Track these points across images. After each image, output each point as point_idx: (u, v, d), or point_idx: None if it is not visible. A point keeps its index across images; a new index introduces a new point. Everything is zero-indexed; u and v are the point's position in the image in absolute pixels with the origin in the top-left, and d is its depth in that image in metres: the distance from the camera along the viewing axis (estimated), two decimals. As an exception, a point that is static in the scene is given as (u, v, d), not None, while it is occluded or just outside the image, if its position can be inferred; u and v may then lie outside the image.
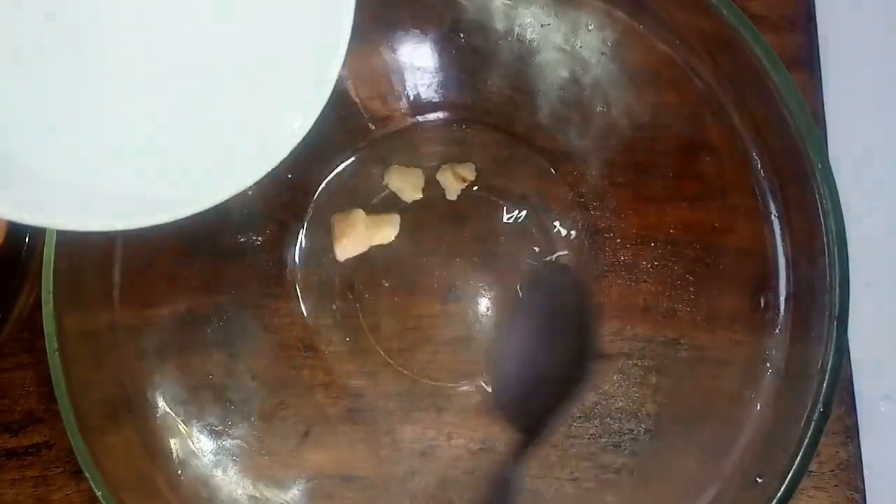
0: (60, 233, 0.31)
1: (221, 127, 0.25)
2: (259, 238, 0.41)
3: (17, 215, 0.22)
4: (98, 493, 0.30)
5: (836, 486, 0.41)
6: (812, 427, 0.29)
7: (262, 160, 0.24)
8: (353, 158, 0.43)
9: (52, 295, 0.31)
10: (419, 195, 0.42)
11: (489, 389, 0.40)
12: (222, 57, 0.25)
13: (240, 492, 0.36)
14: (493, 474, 0.37)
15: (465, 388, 0.42)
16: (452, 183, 0.42)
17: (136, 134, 0.25)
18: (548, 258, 0.41)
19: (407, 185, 0.42)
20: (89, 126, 0.25)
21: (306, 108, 0.24)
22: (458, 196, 0.43)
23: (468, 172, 0.42)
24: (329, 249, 0.42)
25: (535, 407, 0.38)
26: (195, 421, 0.37)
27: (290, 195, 0.42)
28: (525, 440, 0.38)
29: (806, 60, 0.45)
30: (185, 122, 0.25)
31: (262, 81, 0.25)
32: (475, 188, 0.43)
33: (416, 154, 0.43)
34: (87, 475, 0.31)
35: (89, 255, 0.34)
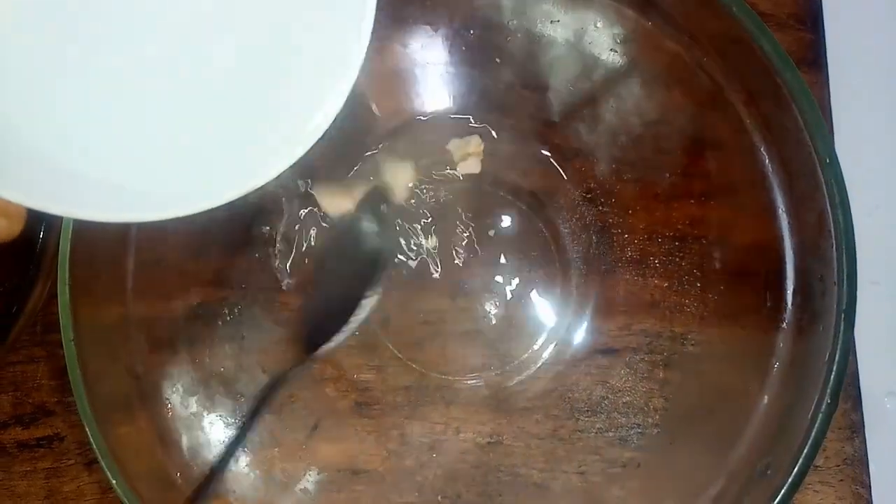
0: (76, 226, 0.32)
1: (242, 123, 0.26)
2: (269, 232, 0.42)
3: (40, 205, 0.22)
4: (113, 482, 0.31)
5: (841, 480, 0.41)
6: (819, 419, 0.29)
7: (281, 156, 0.24)
8: (362, 153, 0.43)
9: (67, 287, 0.31)
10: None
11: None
12: (244, 53, 0.26)
13: (250, 483, 0.37)
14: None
15: (473, 381, 0.42)
16: (458, 151, 0.43)
17: (157, 128, 0.25)
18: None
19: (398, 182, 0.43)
20: (113, 120, 0.25)
21: (325, 105, 0.24)
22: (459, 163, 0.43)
23: (474, 145, 0.43)
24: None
25: (324, 331, 0.39)
26: (207, 413, 0.37)
27: (300, 189, 0.43)
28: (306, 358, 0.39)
29: (813, 58, 0.45)
30: (206, 118, 0.26)
31: (283, 78, 0.26)
32: (484, 184, 0.43)
33: (425, 149, 0.43)
34: (102, 464, 0.31)
35: (103, 248, 0.34)
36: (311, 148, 0.25)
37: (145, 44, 0.25)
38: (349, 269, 0.41)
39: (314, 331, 0.39)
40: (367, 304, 0.39)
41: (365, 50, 0.24)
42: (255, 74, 0.26)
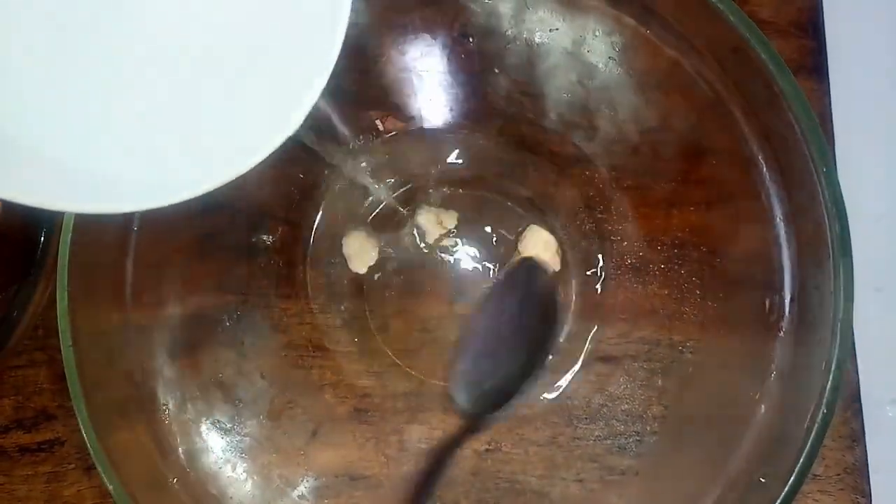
0: (75, 231, 0.32)
1: (224, 110, 0.26)
2: (269, 238, 0.42)
3: (24, 198, 0.22)
4: (110, 488, 0.31)
5: (841, 489, 0.41)
6: (815, 428, 0.29)
7: (259, 145, 0.24)
8: (361, 161, 0.44)
9: (66, 292, 0.31)
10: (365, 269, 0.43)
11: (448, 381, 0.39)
12: (229, 39, 0.26)
13: (248, 489, 0.37)
14: (434, 452, 0.37)
15: (471, 388, 0.42)
16: (433, 227, 0.43)
17: (141, 116, 0.25)
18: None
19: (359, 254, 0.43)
20: (97, 108, 0.25)
21: (306, 91, 0.24)
22: (435, 241, 0.43)
23: (449, 220, 0.43)
24: (338, 251, 0.43)
25: (487, 398, 0.37)
26: (205, 418, 0.37)
27: (299, 196, 0.43)
28: (470, 428, 0.38)
29: (813, 66, 0.45)
30: (190, 105, 0.26)
31: (265, 65, 0.26)
32: (483, 191, 0.43)
33: (423, 156, 0.43)
34: (100, 469, 0.31)
35: (103, 253, 0.34)
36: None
37: (127, 36, 0.25)
38: (520, 334, 0.38)
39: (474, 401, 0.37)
40: (539, 375, 0.38)
41: (340, 44, 0.24)
42: (242, 60, 0.26)
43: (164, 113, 0.26)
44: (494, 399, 0.37)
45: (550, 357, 0.39)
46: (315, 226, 0.43)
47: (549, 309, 0.39)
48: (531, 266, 0.40)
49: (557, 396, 0.41)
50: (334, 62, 0.24)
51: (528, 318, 0.38)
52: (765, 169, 0.34)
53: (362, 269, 0.43)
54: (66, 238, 0.32)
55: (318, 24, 0.24)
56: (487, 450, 0.40)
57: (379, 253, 0.43)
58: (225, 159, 0.24)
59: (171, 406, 0.36)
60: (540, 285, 0.40)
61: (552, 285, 0.41)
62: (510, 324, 0.39)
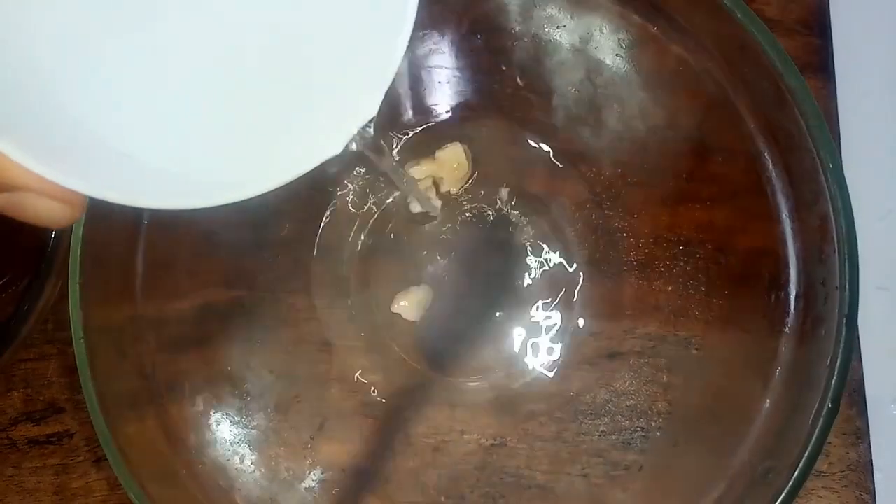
0: (87, 225, 0.32)
1: (281, 114, 0.25)
2: (277, 233, 0.42)
3: (98, 192, 0.22)
4: (121, 479, 0.31)
5: (845, 486, 0.41)
6: (820, 424, 0.29)
7: (314, 151, 0.24)
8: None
9: (78, 285, 0.32)
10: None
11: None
12: (289, 45, 0.25)
13: (256, 481, 0.37)
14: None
15: (477, 384, 0.42)
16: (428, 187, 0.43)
17: (197, 114, 0.25)
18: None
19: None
20: (156, 102, 0.25)
21: (363, 101, 0.24)
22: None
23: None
24: (344, 246, 0.43)
25: (452, 349, 0.39)
26: (214, 411, 0.37)
27: (307, 191, 0.43)
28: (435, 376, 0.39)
29: (820, 64, 0.45)
30: (244, 107, 0.25)
31: (324, 73, 0.25)
32: (489, 187, 0.43)
33: (430, 152, 0.44)
34: (111, 461, 0.31)
35: (113, 248, 0.35)
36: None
37: (190, 26, 0.25)
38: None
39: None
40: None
41: (404, 50, 0.24)
42: (302, 66, 0.25)
43: (238, 110, 0.25)
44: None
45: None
46: (322, 221, 0.43)
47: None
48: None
49: (562, 392, 0.41)
50: (393, 74, 0.24)
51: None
52: (771, 165, 0.34)
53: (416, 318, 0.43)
54: (77, 232, 0.32)
55: (381, 30, 0.24)
56: (493, 444, 0.41)
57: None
58: (294, 156, 0.24)
59: (179, 399, 0.36)
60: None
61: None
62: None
